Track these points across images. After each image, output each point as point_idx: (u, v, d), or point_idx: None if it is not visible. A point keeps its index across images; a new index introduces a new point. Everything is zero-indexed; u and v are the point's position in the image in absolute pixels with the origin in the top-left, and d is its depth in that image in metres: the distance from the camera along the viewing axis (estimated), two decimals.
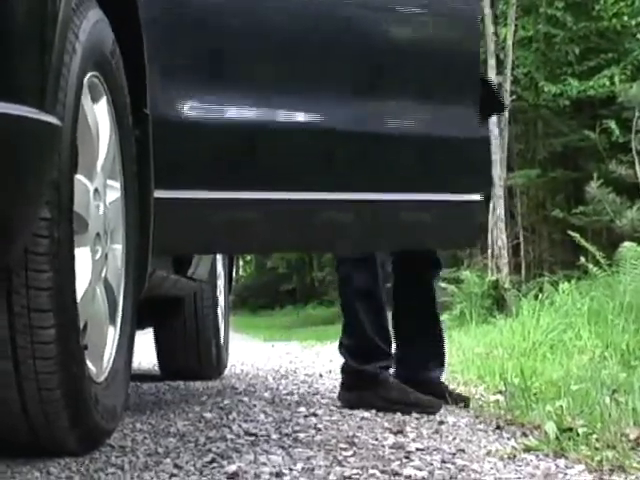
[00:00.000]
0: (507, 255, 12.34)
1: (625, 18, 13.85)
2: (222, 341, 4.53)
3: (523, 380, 3.46)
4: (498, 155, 12.27)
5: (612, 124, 12.73)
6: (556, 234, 15.13)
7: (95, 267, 1.94)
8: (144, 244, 2.36)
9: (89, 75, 1.91)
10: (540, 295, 7.15)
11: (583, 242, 8.62)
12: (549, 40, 14.36)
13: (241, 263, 34.50)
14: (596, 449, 2.18)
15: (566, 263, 13.28)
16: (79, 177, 1.87)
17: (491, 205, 11.72)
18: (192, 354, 4.29)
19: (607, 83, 13.37)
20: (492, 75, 11.97)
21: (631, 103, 12.46)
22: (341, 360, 3.19)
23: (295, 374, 4.69)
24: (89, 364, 1.88)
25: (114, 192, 2.11)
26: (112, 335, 2.08)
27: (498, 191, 11.98)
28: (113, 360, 2.04)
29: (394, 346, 3.19)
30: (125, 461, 1.93)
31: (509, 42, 12.46)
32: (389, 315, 3.20)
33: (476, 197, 2.92)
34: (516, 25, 12.68)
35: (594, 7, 14.01)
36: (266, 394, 3.56)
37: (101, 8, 2.01)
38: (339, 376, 3.21)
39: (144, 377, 4.54)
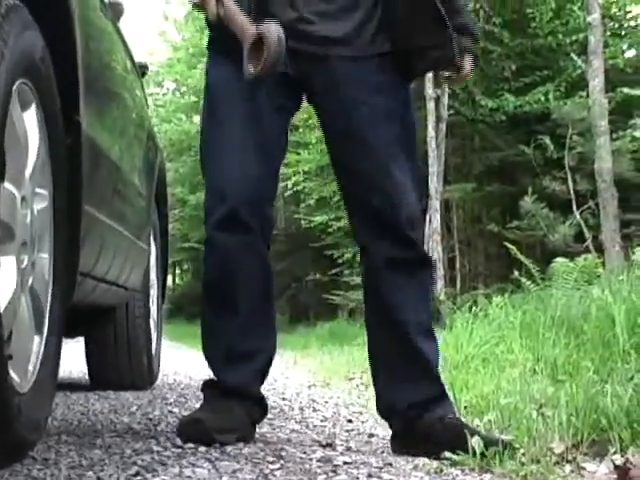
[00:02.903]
0: (442, 268, 12.42)
1: (560, 36, 14.06)
2: (154, 351, 4.50)
3: (454, 393, 3.47)
4: (435, 168, 12.36)
5: (547, 140, 12.90)
6: (491, 248, 15.28)
7: (21, 276, 1.91)
8: (73, 253, 2.34)
9: (18, 82, 1.89)
10: (474, 308, 7.19)
11: (519, 255, 8.71)
12: (486, 56, 14.50)
13: (177, 271, 34.33)
14: (522, 464, 2.20)
15: (500, 276, 13.41)
16: (6, 185, 1.84)
17: (427, 218, 11.79)
18: (123, 364, 4.25)
19: (542, 99, 13.54)
20: (429, 90, 12.07)
21: (565, 120, 12.65)
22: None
23: None
24: (13, 374, 1.85)
25: (43, 200, 2.08)
26: (38, 345, 2.05)
27: (434, 204, 12.07)
28: (38, 370, 2.01)
29: None
30: (47, 474, 1.90)
31: None
32: None
33: None
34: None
35: (530, 25, 14.19)
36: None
37: (32, 14, 1.99)
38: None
39: (74, 386, 4.49)
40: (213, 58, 2.61)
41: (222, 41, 2.51)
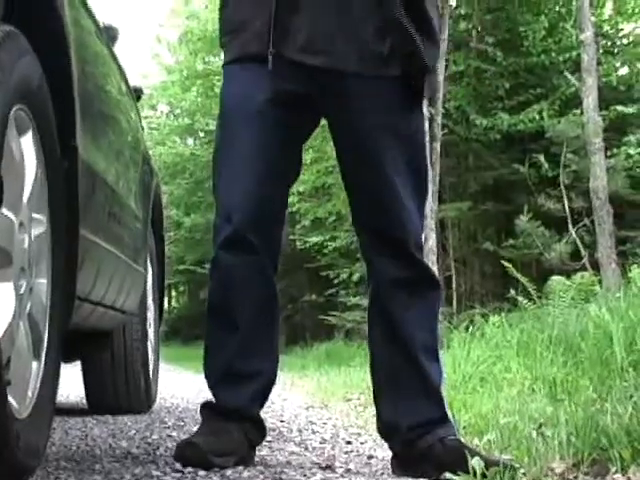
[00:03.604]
0: None
1: (553, 54, 14.11)
2: (151, 374, 4.49)
3: (452, 413, 3.47)
4: (430, 187, 12.36)
5: (541, 158, 12.92)
6: (487, 266, 15.28)
7: (19, 302, 1.91)
8: (71, 277, 2.34)
9: (15, 108, 1.89)
10: (471, 327, 7.19)
11: (516, 273, 8.72)
12: (480, 75, 14.55)
13: (174, 293, 34.28)
14: None
15: (497, 295, 13.41)
16: (3, 210, 1.84)
17: (423, 236, 11.78)
18: (121, 387, 4.24)
19: (536, 117, 13.56)
20: (424, 109, 12.08)
21: (559, 138, 12.68)
22: None
23: None
24: (11, 400, 1.84)
25: (40, 225, 2.08)
26: (36, 370, 2.04)
27: (430, 223, 12.07)
28: (37, 396, 2.01)
29: None
30: None
31: (440, 77, 12.59)
32: None
33: None
34: (447, 60, 12.83)
35: (523, 43, 14.24)
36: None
37: (29, 40, 1.99)
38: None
39: (71, 411, 4.48)
40: (227, 75, 2.60)
41: (235, 47, 2.51)
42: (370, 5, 2.45)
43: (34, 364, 2.03)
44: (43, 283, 2.10)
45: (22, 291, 1.94)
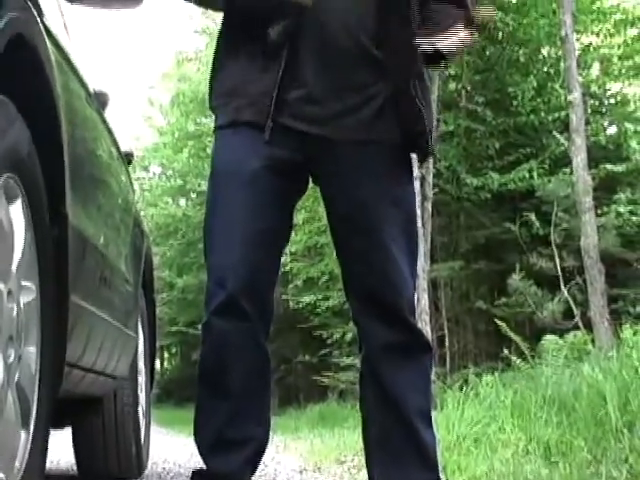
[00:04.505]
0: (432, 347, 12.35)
1: (542, 114, 14.21)
2: (142, 440, 4.45)
3: (446, 476, 3.44)
4: (422, 247, 12.38)
5: (532, 217, 12.96)
6: (480, 325, 15.24)
7: (7, 371, 1.89)
8: (60, 344, 2.32)
9: (4, 177, 1.89)
10: (465, 387, 7.16)
11: (510, 332, 8.71)
12: (470, 134, 14.64)
13: (166, 355, 34.12)
14: None
15: (490, 354, 13.36)
16: None
17: (415, 297, 11.77)
18: (111, 454, 4.19)
19: (527, 176, 13.62)
20: (414, 169, 12.13)
21: (550, 197, 12.73)
22: None
23: None
24: None
25: (30, 293, 2.07)
26: (24, 440, 2.02)
27: (422, 283, 12.05)
28: (25, 466, 1.98)
29: None
30: None
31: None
32: None
33: None
34: (438, 120, 12.92)
35: (512, 103, 14.35)
36: None
37: (17, 106, 2.00)
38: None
39: (62, 477, 4.43)
40: (219, 139, 2.58)
41: (229, 112, 2.51)
42: (369, 72, 2.46)
43: (22, 434, 2.01)
44: (32, 351, 2.08)
45: (10, 360, 1.92)
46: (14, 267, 1.97)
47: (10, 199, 1.97)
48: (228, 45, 2.57)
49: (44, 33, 2.20)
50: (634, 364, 4.95)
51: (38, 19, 2.16)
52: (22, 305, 2.02)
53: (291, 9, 2.39)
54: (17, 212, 2.01)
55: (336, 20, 2.44)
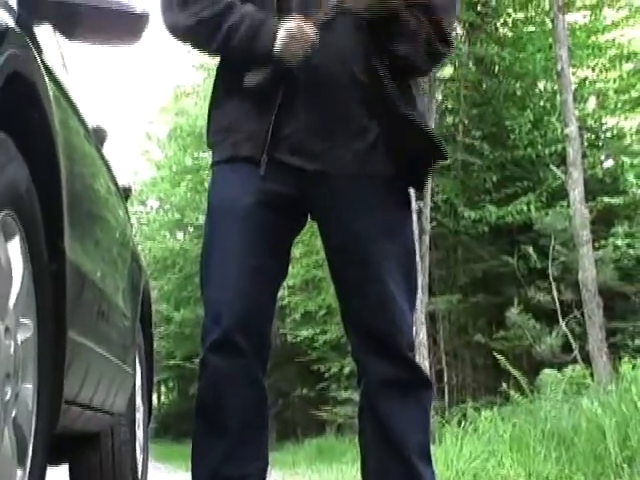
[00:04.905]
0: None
1: (539, 147, 14.27)
2: (140, 476, 4.41)
3: None
4: (419, 280, 12.39)
5: (530, 250, 12.97)
6: (479, 359, 15.20)
7: (4, 409, 1.88)
8: (58, 381, 2.31)
9: (2, 214, 1.89)
10: (463, 422, 7.13)
11: (508, 366, 8.69)
12: (467, 168, 14.68)
13: (163, 389, 33.99)
14: None
15: (489, 388, 13.33)
16: None
17: (413, 330, 11.75)
18: None
19: (524, 209, 13.65)
20: (413, 202, 12.15)
21: (547, 230, 12.75)
22: None
23: None
24: None
25: (27, 330, 2.06)
26: (20, 477, 2.01)
27: (420, 317, 12.05)
28: None
29: None
30: None
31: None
32: None
33: None
34: None
35: (509, 136, 14.41)
36: None
37: (16, 143, 2.00)
38: None
39: None
40: (217, 175, 2.58)
41: (227, 148, 2.51)
42: (363, 106, 2.47)
43: (19, 472, 1.99)
44: (29, 388, 2.07)
45: (7, 398, 1.91)
46: (11, 304, 1.96)
47: (8, 236, 1.96)
48: (225, 83, 2.58)
49: (43, 70, 2.21)
50: (633, 399, 4.93)
51: (37, 56, 2.17)
52: (19, 342, 2.01)
53: (281, 64, 2.41)
54: (15, 249, 2.00)
55: (332, 56, 2.45)
